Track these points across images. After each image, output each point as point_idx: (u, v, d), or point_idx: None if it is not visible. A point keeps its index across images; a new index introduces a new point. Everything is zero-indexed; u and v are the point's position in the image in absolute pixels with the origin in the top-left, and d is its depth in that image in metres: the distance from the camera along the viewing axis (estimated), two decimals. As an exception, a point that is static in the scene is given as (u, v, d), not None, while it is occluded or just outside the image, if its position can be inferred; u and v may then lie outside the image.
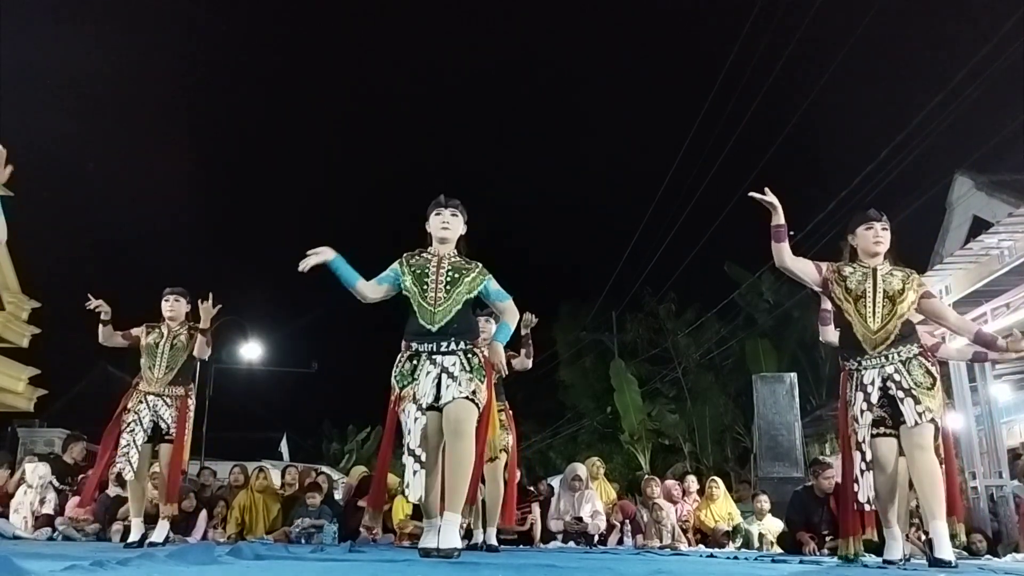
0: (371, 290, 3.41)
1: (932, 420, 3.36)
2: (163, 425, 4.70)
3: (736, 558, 4.93)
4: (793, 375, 8.87)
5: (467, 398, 3.23)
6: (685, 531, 6.94)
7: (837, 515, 5.82)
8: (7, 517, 6.55)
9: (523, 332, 4.92)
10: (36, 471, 6.77)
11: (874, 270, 3.54)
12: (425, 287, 3.34)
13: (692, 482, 7.67)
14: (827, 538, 5.79)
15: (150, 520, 4.90)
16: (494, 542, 4.85)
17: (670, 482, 7.72)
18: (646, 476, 8.41)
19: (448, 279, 3.35)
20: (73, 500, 6.61)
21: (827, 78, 14.25)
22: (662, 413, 18.46)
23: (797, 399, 8.51)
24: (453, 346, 3.30)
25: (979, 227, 10.13)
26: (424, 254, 3.46)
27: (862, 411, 3.47)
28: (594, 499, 6.67)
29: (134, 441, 4.61)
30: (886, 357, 3.45)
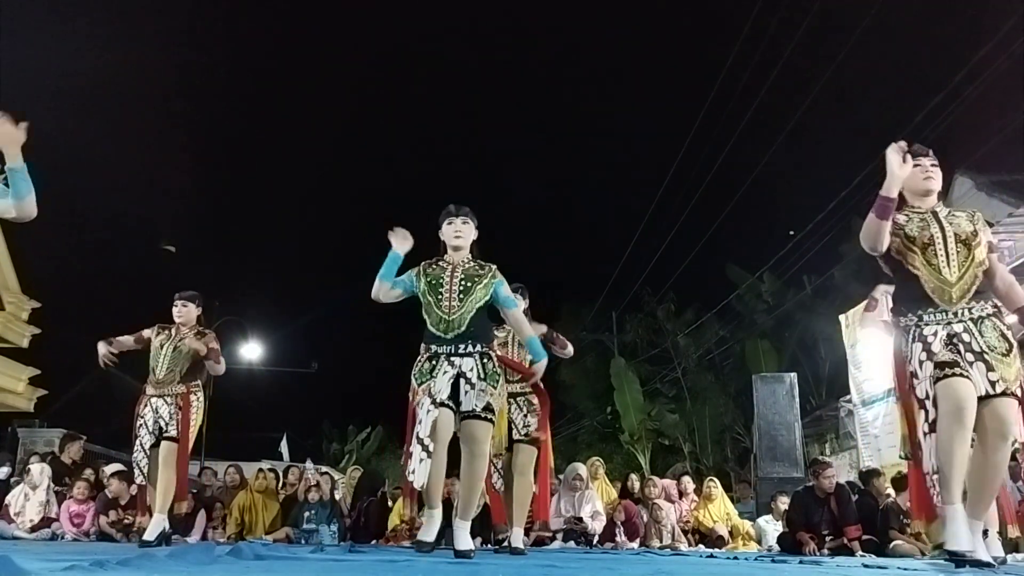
0: (385, 293, 3.57)
1: (1009, 393, 2.73)
2: (162, 423, 4.64)
3: (736, 558, 4.92)
4: (793, 375, 8.87)
5: (485, 418, 3.38)
6: (685, 532, 6.94)
7: (837, 515, 5.86)
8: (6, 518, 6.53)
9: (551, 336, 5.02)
10: (44, 472, 6.73)
11: (933, 213, 2.99)
12: (439, 297, 3.48)
13: (688, 482, 7.66)
14: (827, 538, 5.80)
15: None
16: (519, 544, 4.41)
17: (667, 482, 7.72)
18: (643, 476, 8.41)
19: (461, 288, 3.49)
20: (68, 501, 6.61)
21: (826, 78, 14.24)
22: (662, 413, 18.48)
23: (797, 399, 8.51)
24: (470, 348, 3.45)
25: (979, 227, 10.09)
26: (440, 263, 3.60)
27: (921, 362, 2.84)
28: (594, 499, 6.67)
29: (143, 446, 4.68)
30: (954, 314, 2.85)
